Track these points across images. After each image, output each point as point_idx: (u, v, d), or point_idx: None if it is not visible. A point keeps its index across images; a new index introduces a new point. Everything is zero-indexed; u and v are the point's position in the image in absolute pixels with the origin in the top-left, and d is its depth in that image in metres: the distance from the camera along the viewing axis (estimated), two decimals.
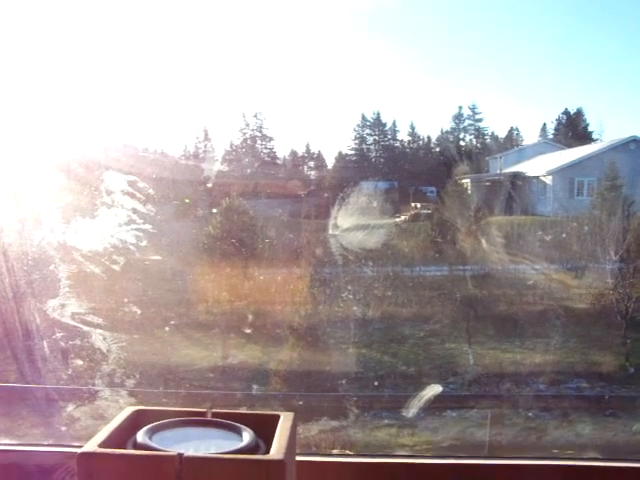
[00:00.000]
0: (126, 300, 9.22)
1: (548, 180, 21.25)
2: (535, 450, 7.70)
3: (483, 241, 13.30)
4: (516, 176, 22.72)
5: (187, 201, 14.17)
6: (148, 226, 5.86)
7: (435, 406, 7.72)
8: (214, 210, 13.30)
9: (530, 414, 8.52)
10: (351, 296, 11.67)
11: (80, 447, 1.45)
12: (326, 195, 19.94)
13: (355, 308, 11.50)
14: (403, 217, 20.28)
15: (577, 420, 8.37)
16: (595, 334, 11.03)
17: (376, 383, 9.78)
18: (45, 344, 7.26)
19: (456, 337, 11.19)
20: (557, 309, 11.37)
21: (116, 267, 6.35)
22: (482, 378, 9.93)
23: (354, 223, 11.01)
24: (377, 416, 8.63)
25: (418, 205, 22.73)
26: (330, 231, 11.16)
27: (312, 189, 24.49)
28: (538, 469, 2.01)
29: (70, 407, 6.83)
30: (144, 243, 6.16)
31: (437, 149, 36.84)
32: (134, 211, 5.55)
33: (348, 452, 6.33)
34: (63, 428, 6.83)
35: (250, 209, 13.93)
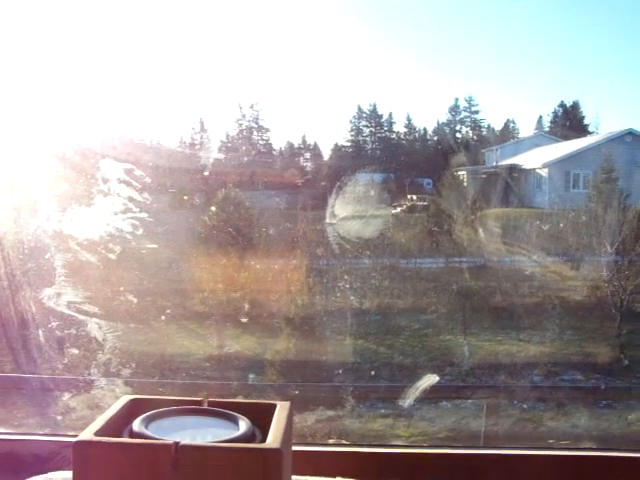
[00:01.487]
0: (122, 289, 9.22)
1: (544, 172, 21.27)
2: (530, 441, 7.74)
3: (479, 233, 13.31)
4: (512, 168, 22.74)
5: (185, 198, 14.16)
6: (144, 215, 5.84)
7: (430, 397, 7.75)
8: (213, 201, 13.29)
9: (525, 405, 8.56)
10: (347, 286, 11.69)
11: (75, 436, 1.44)
12: (322, 186, 19.94)
13: (351, 299, 11.52)
14: (399, 209, 20.28)
15: (572, 411, 8.41)
16: (590, 326, 11.07)
17: (372, 373, 9.81)
18: (41, 333, 7.24)
19: (452, 329, 11.22)
20: (552, 301, 11.40)
21: (112, 256, 6.34)
22: (477, 369, 9.96)
23: (350, 214, 11.01)
24: (373, 406, 8.66)
25: (414, 197, 22.73)
26: (326, 222, 11.16)
27: (308, 180, 24.49)
28: (534, 459, 2.01)
29: (66, 396, 6.83)
30: (140, 232, 6.14)
31: (433, 141, 36.85)
32: (130, 199, 5.53)
33: (344, 442, 6.34)
34: (59, 417, 6.84)
35: (246, 200, 13.93)
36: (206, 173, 14.32)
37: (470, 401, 8.62)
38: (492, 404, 7.34)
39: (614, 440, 7.58)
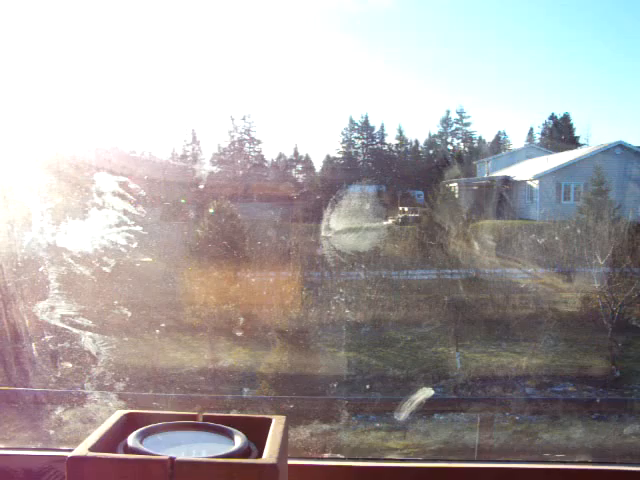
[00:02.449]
0: (116, 302, 9.17)
1: (535, 184, 21.36)
2: (523, 453, 7.72)
3: (470, 245, 13.34)
4: (503, 180, 22.83)
5: (183, 201, 14.15)
6: (139, 227, 5.82)
7: (423, 410, 7.73)
8: (205, 213, 13.27)
9: (517, 417, 8.54)
10: (338, 299, 11.67)
11: (68, 451, 1.43)
12: (314, 199, 19.99)
13: (343, 312, 11.49)
14: (391, 220, 20.30)
15: (564, 423, 8.40)
16: (582, 338, 11.08)
17: (364, 387, 9.77)
18: (34, 346, 7.20)
19: (444, 340, 11.20)
20: (544, 313, 11.42)
21: (106, 269, 6.31)
22: (469, 382, 9.95)
23: (342, 227, 11.01)
24: (365, 420, 8.62)
25: (406, 209, 22.78)
26: (318, 235, 11.15)
27: (300, 193, 24.50)
28: (528, 472, 2.01)
29: (59, 410, 6.78)
30: (135, 245, 6.12)
31: (425, 152, 36.99)
32: (125, 212, 5.51)
33: (339, 456, 6.31)
34: (51, 431, 6.78)
35: (239, 212, 13.92)
36: (201, 186, 14.35)
37: (462, 414, 8.61)
38: (485, 417, 7.33)
39: (606, 453, 7.57)
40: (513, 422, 8.40)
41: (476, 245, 13.34)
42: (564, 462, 2.08)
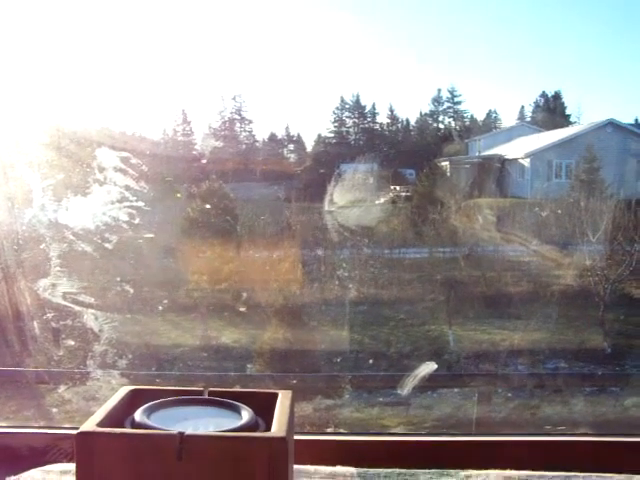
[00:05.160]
0: (119, 279, 9.13)
1: (526, 162, 21.35)
2: (519, 427, 7.81)
3: (461, 223, 13.37)
4: (495, 158, 22.77)
5: (179, 195, 14.12)
6: (141, 203, 5.80)
7: (420, 385, 7.77)
8: (198, 193, 13.25)
9: (509, 394, 8.63)
10: (330, 278, 11.70)
11: (73, 429, 1.44)
12: (305, 178, 19.96)
13: (335, 291, 11.52)
14: (382, 199, 20.27)
15: (556, 399, 8.49)
16: (573, 315, 11.15)
17: (371, 361, 9.83)
18: (35, 325, 7.19)
19: (436, 319, 11.26)
20: (536, 290, 11.48)
21: (108, 245, 6.28)
22: (462, 359, 10.03)
23: (332, 206, 11.03)
24: (358, 397, 8.68)
25: (397, 187, 22.76)
26: (307, 214, 11.15)
27: (292, 172, 24.45)
28: (524, 445, 2.03)
29: (61, 389, 6.80)
30: (137, 221, 6.11)
31: (416, 131, 36.88)
32: (126, 188, 5.49)
33: (342, 431, 6.37)
34: (54, 410, 6.80)
35: (232, 190, 13.92)
36: (204, 160, 14.31)
37: (456, 390, 8.69)
38: (481, 392, 7.39)
39: (606, 425, 7.67)
40: (506, 398, 8.48)
41: (467, 223, 13.38)
42: (564, 434, 2.11)
